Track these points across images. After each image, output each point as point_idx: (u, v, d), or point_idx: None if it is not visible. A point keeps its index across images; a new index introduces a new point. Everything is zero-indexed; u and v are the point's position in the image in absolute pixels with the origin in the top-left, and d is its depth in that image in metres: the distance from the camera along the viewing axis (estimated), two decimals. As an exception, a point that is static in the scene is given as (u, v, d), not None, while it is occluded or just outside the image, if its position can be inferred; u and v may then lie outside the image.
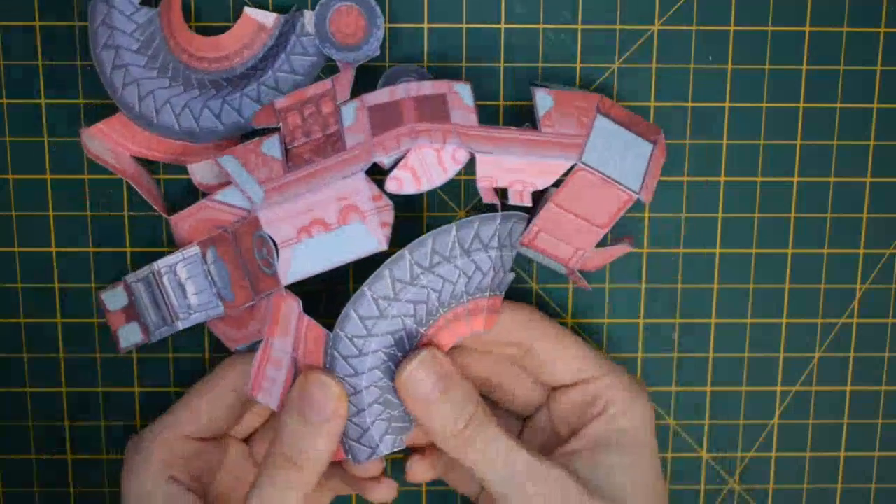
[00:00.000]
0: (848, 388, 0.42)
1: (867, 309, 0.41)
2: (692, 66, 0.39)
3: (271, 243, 0.35)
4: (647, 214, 0.40)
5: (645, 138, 0.36)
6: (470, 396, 0.36)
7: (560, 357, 0.38)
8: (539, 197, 0.37)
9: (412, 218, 0.40)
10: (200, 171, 0.38)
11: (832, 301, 0.41)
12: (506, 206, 0.36)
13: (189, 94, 0.37)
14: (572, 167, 0.35)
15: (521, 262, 0.41)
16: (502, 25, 0.39)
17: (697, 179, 0.40)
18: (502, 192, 0.36)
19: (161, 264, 0.37)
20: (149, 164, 0.39)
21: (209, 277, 0.37)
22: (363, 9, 0.36)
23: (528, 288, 0.41)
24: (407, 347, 0.36)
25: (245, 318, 0.38)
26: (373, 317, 0.35)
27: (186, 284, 0.37)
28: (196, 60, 0.37)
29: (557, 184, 0.36)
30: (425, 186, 0.36)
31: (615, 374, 0.38)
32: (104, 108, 0.39)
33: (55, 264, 0.40)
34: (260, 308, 0.37)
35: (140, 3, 0.36)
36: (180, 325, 0.38)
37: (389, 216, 0.36)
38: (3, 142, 0.39)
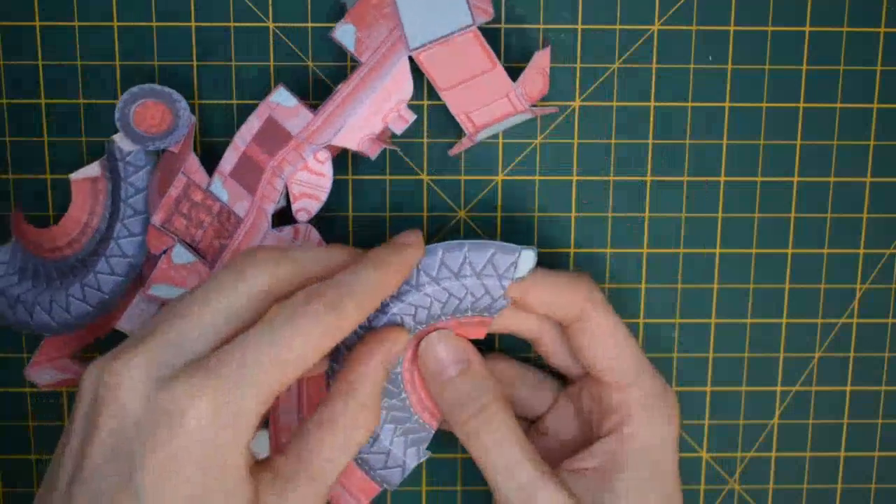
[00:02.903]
0: (848, 388, 0.42)
1: (867, 309, 0.41)
2: (692, 66, 0.39)
3: None
4: (647, 214, 0.40)
5: None
6: (487, 388, 0.35)
7: (600, 347, 0.36)
8: None
9: (413, 218, 0.40)
10: (129, 322, 0.38)
11: (832, 301, 0.41)
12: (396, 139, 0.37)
13: (80, 278, 0.37)
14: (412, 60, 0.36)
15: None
16: (502, 25, 0.39)
17: (697, 179, 0.40)
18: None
19: None
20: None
21: None
22: (156, 98, 0.36)
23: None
24: (394, 364, 0.36)
25: None
26: (354, 344, 0.35)
27: None
28: (65, 250, 0.38)
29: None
30: (324, 196, 0.37)
31: (637, 388, 0.36)
32: (104, 108, 0.39)
33: (55, 264, 0.40)
34: None
35: None
36: None
37: (315, 235, 0.37)
38: (3, 142, 0.39)
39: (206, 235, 0.37)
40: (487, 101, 0.36)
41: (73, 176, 0.38)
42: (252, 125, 0.36)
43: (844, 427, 0.42)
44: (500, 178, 0.40)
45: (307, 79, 0.39)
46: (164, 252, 0.37)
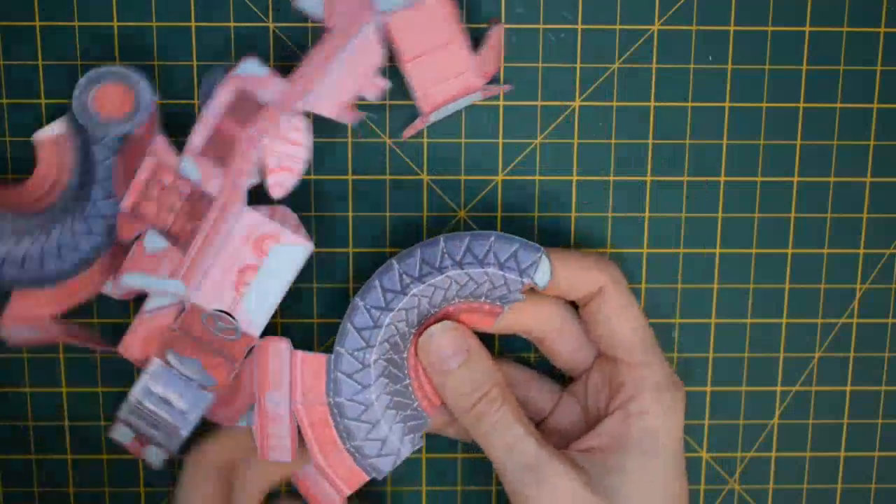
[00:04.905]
0: (848, 388, 0.42)
1: (867, 309, 0.41)
2: (692, 66, 0.39)
3: (222, 314, 0.36)
4: (647, 214, 0.40)
5: None
6: (488, 375, 0.36)
7: (619, 321, 0.36)
8: None
9: (413, 218, 0.40)
10: (116, 285, 0.38)
11: (832, 301, 0.41)
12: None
13: (81, 211, 0.36)
14: (380, 26, 0.35)
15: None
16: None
17: (697, 179, 0.40)
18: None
19: (136, 393, 0.37)
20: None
21: (182, 377, 0.37)
22: (113, 80, 0.35)
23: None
24: (402, 348, 0.36)
25: (232, 394, 0.38)
26: (368, 327, 0.35)
27: (168, 396, 0.37)
28: (36, 203, 0.37)
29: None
30: (301, 169, 0.36)
31: (649, 368, 0.36)
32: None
33: (55, 264, 0.40)
34: (244, 374, 0.37)
35: None
36: (184, 433, 0.38)
37: (293, 217, 0.36)
38: (3, 142, 0.39)
39: (178, 219, 0.35)
40: (447, 75, 0.36)
41: (37, 136, 0.36)
42: (222, 98, 0.35)
43: (844, 427, 0.42)
44: (500, 178, 0.40)
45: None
46: (137, 238, 0.36)
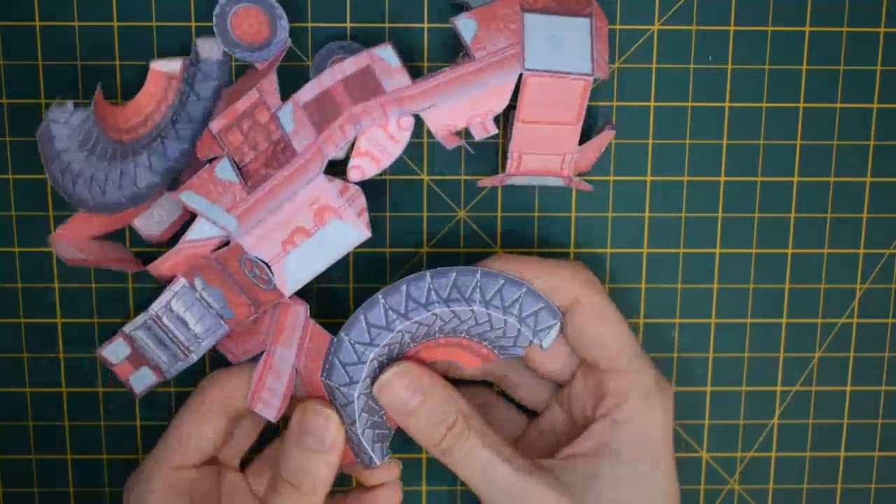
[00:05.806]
0: (848, 388, 0.42)
1: (867, 309, 0.41)
2: (692, 66, 0.39)
3: (262, 263, 0.36)
4: (647, 214, 0.40)
5: (579, 15, 0.35)
6: (449, 406, 0.36)
7: (597, 329, 0.36)
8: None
9: (413, 218, 0.40)
10: (144, 224, 0.38)
11: (832, 301, 0.41)
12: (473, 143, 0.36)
13: (124, 164, 0.36)
14: (520, 79, 0.35)
15: (522, 262, 0.41)
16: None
17: (697, 179, 0.40)
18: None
19: (156, 307, 0.37)
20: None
21: (204, 303, 0.37)
22: (260, 6, 0.36)
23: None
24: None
25: (247, 333, 0.38)
26: (379, 326, 0.35)
27: (186, 316, 0.37)
28: (126, 133, 0.37)
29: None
30: (385, 163, 0.36)
31: (633, 374, 0.36)
32: (104, 108, 0.39)
33: (55, 264, 0.40)
34: (264, 320, 0.38)
35: (74, 107, 0.36)
36: (195, 357, 0.38)
37: (362, 201, 0.36)
38: (3, 142, 0.39)
39: (257, 160, 0.35)
40: (547, 152, 0.36)
41: (154, 64, 0.37)
42: (346, 67, 0.35)
43: (844, 427, 0.42)
44: (500, 178, 0.40)
45: (307, 79, 0.39)
46: (210, 161, 0.36)
